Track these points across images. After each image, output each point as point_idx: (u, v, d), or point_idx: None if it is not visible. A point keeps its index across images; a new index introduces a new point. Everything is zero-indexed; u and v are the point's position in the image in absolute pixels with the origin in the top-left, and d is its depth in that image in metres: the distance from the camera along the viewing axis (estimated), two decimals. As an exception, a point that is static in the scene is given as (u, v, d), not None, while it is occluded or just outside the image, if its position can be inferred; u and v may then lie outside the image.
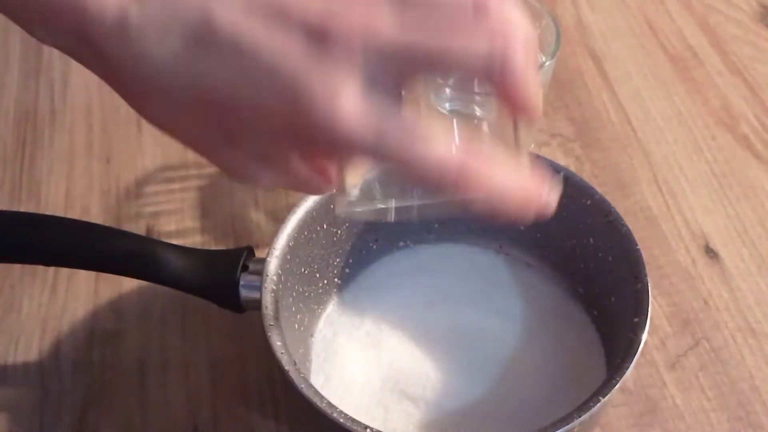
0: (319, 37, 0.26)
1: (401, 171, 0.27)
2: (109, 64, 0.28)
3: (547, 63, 0.51)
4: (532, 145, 0.36)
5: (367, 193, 0.31)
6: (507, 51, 0.26)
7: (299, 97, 0.26)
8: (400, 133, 0.26)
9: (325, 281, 0.49)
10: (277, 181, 0.31)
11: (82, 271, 0.54)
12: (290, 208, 0.46)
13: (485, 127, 0.33)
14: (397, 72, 0.26)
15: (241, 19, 0.26)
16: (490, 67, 0.26)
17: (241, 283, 0.44)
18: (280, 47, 0.26)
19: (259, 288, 0.42)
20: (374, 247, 0.51)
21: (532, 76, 0.27)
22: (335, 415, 0.37)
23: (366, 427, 0.37)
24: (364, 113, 0.26)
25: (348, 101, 0.26)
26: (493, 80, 0.27)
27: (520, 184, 0.28)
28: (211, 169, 0.61)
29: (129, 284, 0.54)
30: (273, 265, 0.43)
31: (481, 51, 0.26)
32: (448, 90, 0.53)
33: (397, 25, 0.26)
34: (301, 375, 0.39)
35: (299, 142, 0.28)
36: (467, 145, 0.27)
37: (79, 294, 0.54)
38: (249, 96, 0.27)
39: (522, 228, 0.50)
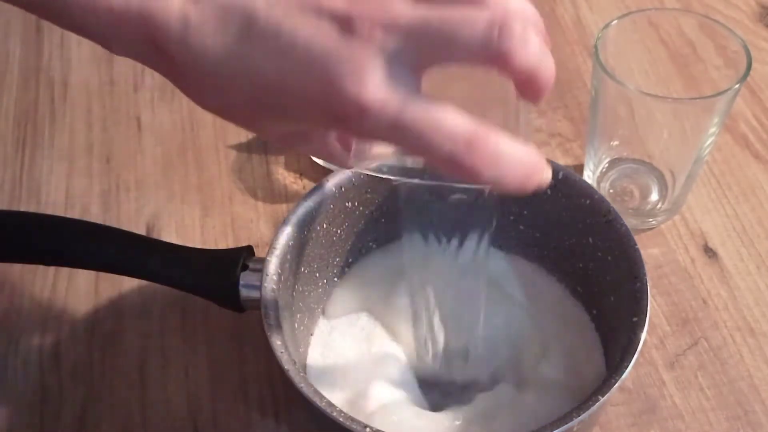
0: (345, 25, 0.29)
1: (416, 145, 0.30)
2: (175, 64, 0.32)
3: None
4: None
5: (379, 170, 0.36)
6: (503, 26, 0.29)
7: (331, 77, 0.29)
8: (418, 107, 0.29)
9: (325, 281, 0.49)
10: (314, 152, 0.38)
11: (82, 271, 0.54)
12: (290, 208, 0.46)
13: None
14: (415, 53, 0.29)
15: (279, 12, 0.30)
16: (487, 45, 0.29)
17: (241, 282, 0.44)
18: (313, 35, 0.29)
19: (259, 287, 0.42)
20: (374, 246, 0.51)
21: (532, 47, 0.29)
22: (335, 414, 0.37)
23: (365, 426, 0.37)
24: (387, 88, 0.29)
25: (372, 78, 0.29)
26: (493, 59, 0.29)
27: (525, 157, 0.30)
28: (212, 169, 0.61)
29: (129, 284, 0.54)
30: (273, 264, 0.43)
31: (479, 31, 0.29)
32: None
33: (409, 12, 0.29)
34: (301, 374, 0.39)
35: (335, 121, 0.31)
36: (479, 123, 0.29)
37: (79, 293, 0.54)
38: (291, 79, 0.30)
39: (522, 227, 0.50)
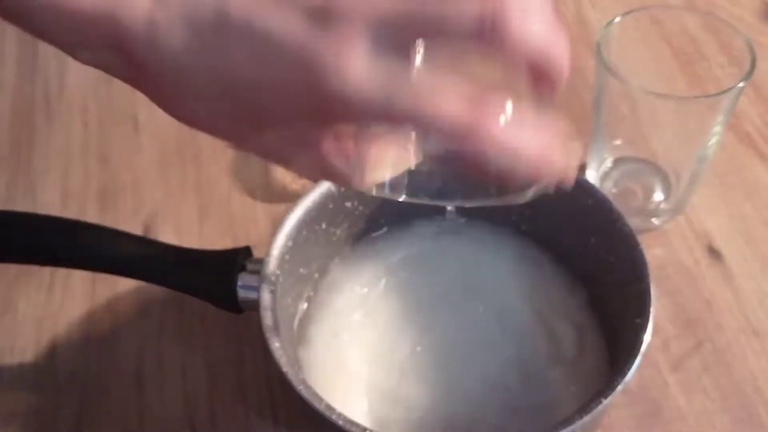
0: (322, 16, 0.27)
1: (414, 127, 0.28)
2: (143, 70, 0.30)
3: None
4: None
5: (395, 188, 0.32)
6: (497, 6, 0.26)
7: (310, 66, 0.27)
8: (408, 89, 0.27)
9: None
10: (311, 165, 0.33)
11: (79, 272, 0.54)
12: (289, 208, 0.45)
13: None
14: (399, 37, 0.27)
15: (252, 6, 0.28)
16: (482, 20, 0.26)
17: (239, 283, 0.44)
18: (289, 25, 0.27)
19: (257, 288, 0.42)
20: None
21: (535, 22, 0.26)
22: (334, 417, 0.37)
23: (365, 429, 0.36)
24: (371, 72, 0.27)
25: (355, 63, 0.26)
26: (490, 37, 0.26)
27: (537, 141, 0.27)
28: (210, 169, 0.61)
29: (126, 284, 0.53)
30: (271, 265, 0.43)
31: (473, 13, 0.26)
32: None
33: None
34: (300, 376, 0.39)
35: (320, 117, 0.29)
36: (482, 99, 0.27)
37: (75, 294, 0.54)
38: (267, 74, 0.28)
39: (524, 228, 0.50)
